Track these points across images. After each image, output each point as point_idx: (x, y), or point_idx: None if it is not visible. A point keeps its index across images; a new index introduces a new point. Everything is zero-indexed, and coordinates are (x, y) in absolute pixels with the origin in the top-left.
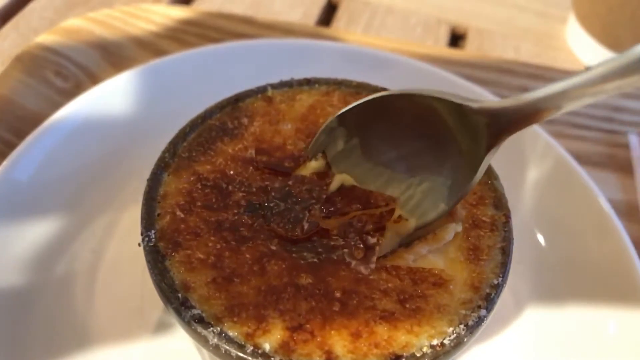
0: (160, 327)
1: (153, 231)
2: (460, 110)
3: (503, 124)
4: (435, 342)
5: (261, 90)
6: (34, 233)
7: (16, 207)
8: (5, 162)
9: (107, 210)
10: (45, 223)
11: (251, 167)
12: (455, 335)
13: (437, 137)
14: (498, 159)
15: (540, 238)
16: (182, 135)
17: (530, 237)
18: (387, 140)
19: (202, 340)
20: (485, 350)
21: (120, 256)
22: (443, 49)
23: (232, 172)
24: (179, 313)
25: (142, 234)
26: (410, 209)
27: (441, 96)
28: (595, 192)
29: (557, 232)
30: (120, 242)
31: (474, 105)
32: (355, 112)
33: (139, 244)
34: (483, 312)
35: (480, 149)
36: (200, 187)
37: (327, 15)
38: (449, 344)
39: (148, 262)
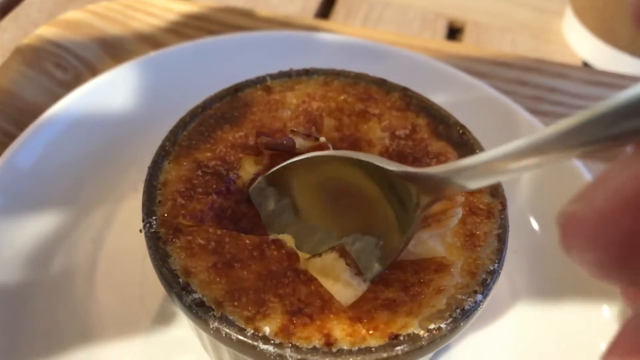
0: (161, 316)
1: (154, 217)
2: (385, 173)
3: (424, 188)
4: (432, 326)
5: (260, 80)
6: (34, 224)
7: (16, 197)
8: (5, 153)
9: (107, 200)
10: (45, 213)
11: (251, 153)
12: (451, 319)
13: (366, 198)
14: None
15: (536, 226)
16: (182, 124)
17: (525, 225)
18: (317, 200)
19: (203, 324)
20: (481, 336)
21: (120, 246)
22: (441, 42)
23: (232, 159)
24: (180, 297)
25: (143, 221)
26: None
27: (366, 159)
28: (587, 180)
29: (553, 220)
30: (120, 231)
31: (396, 169)
32: (283, 173)
33: (140, 230)
34: (479, 297)
35: (409, 210)
36: (200, 174)
37: (326, 9)
38: (446, 327)
39: (149, 247)
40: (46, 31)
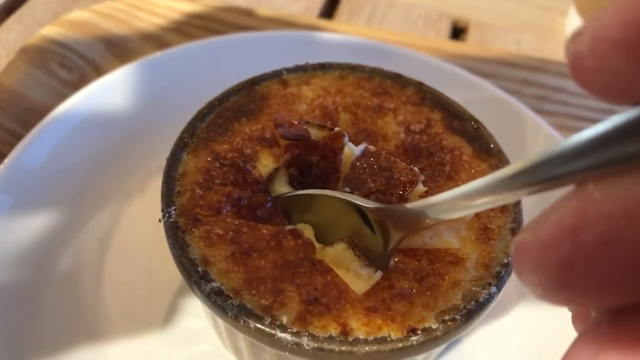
0: (167, 314)
1: (173, 207)
2: (361, 210)
3: (398, 223)
4: (447, 317)
5: (277, 74)
6: (41, 223)
7: (23, 197)
8: (12, 153)
9: (113, 199)
10: (52, 213)
11: (267, 146)
12: (466, 311)
13: (352, 230)
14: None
15: None
16: (200, 116)
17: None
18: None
19: (221, 313)
20: (488, 328)
21: (126, 245)
22: (445, 42)
23: (249, 152)
24: (198, 286)
25: (162, 210)
26: None
27: (346, 198)
28: None
29: None
30: (126, 231)
31: (370, 206)
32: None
33: (160, 220)
34: (493, 289)
35: (382, 244)
36: (218, 165)
37: (329, 8)
38: (460, 319)
39: (169, 237)
40: (51, 31)
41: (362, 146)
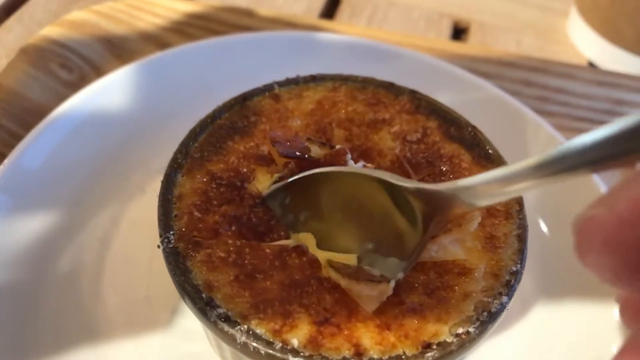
0: (168, 315)
1: (171, 232)
2: (396, 190)
3: (436, 206)
4: (460, 330)
5: (268, 88)
6: (41, 224)
7: (23, 197)
8: (11, 153)
9: (113, 200)
10: (52, 214)
11: (264, 164)
12: (479, 322)
13: (378, 211)
14: (501, 153)
15: (545, 229)
16: (193, 135)
17: (534, 229)
18: (332, 210)
19: (229, 339)
20: (492, 338)
21: (126, 245)
22: (446, 42)
23: (245, 170)
24: (204, 313)
25: (160, 236)
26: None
27: (378, 175)
28: (596, 183)
29: (562, 223)
30: (126, 231)
31: (409, 185)
32: (299, 183)
33: (158, 246)
34: (505, 299)
35: (417, 228)
36: (215, 186)
37: (330, 9)
38: (474, 331)
39: (169, 263)
40: (51, 31)
41: (360, 164)
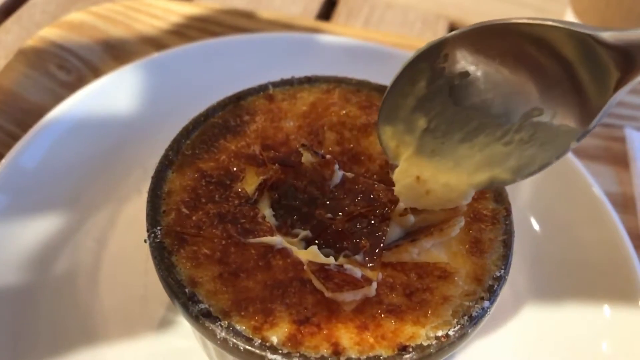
0: (165, 316)
1: (159, 227)
2: (585, 42)
3: (633, 60)
4: (440, 333)
5: (262, 88)
6: (37, 224)
7: (20, 198)
8: (9, 154)
9: (110, 200)
10: (49, 214)
11: (254, 164)
12: (459, 326)
13: (547, 74)
14: None
15: (537, 228)
16: (185, 133)
17: (526, 228)
18: (483, 80)
19: (210, 335)
20: (484, 338)
21: (123, 246)
22: None
23: (235, 169)
24: (186, 308)
25: (147, 231)
26: (507, 162)
27: (563, 26)
28: (590, 183)
29: (553, 223)
30: (123, 232)
31: (606, 35)
32: (451, 44)
33: (145, 241)
34: (486, 303)
35: (606, 85)
36: (204, 184)
37: (327, 10)
38: (454, 335)
39: (154, 257)
40: (49, 33)
41: (340, 173)
